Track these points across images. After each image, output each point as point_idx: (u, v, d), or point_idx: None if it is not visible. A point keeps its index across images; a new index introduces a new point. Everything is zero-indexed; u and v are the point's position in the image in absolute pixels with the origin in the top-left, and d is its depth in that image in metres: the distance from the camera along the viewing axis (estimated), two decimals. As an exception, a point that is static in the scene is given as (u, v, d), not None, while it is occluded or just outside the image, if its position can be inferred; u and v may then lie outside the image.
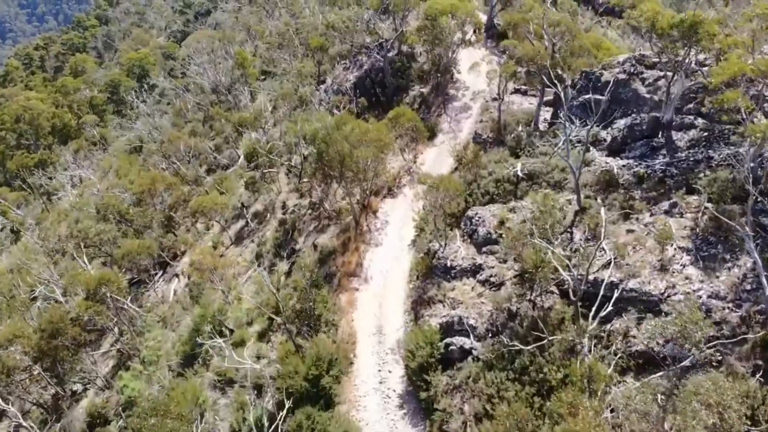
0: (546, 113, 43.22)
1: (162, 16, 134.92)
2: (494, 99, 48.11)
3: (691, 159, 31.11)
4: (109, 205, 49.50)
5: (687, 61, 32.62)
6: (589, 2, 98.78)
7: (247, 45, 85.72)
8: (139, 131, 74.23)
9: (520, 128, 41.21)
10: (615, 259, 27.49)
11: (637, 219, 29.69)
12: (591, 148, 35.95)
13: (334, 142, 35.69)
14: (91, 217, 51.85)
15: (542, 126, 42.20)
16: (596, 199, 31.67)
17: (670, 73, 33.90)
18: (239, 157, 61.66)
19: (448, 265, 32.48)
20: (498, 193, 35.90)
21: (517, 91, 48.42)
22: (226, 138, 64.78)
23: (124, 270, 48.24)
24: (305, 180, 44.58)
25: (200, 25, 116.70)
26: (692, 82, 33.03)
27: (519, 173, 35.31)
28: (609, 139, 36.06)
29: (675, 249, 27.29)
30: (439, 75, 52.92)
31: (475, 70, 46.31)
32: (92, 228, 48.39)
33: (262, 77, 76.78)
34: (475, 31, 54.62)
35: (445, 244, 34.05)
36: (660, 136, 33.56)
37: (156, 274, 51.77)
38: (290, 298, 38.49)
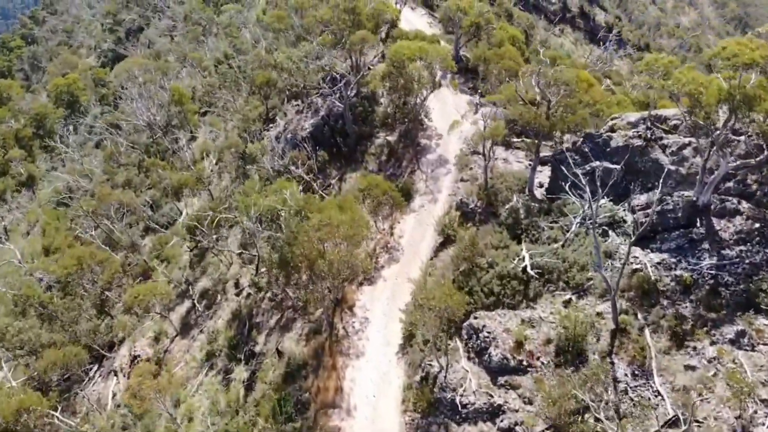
0: (540, 174, 36.10)
1: (91, 35, 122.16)
2: (474, 153, 40.85)
3: (747, 261, 24.46)
4: (29, 296, 40.02)
5: (725, 132, 25.97)
6: (541, 11, 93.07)
7: (184, 74, 75.96)
8: (67, 180, 63.87)
9: (515, 199, 33.95)
10: (682, 414, 20.59)
11: (695, 349, 22.85)
12: (609, 232, 29.12)
13: (300, 244, 27.61)
14: (8, 312, 42.17)
15: (538, 193, 35.06)
16: (636, 315, 24.69)
17: (701, 141, 27.28)
18: (181, 213, 52.64)
19: (457, 401, 24.99)
20: (505, 293, 28.56)
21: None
22: (164, 190, 55.53)
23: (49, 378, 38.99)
24: (263, 270, 36.31)
25: (132, 45, 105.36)
26: (736, 162, 26.37)
27: (529, 270, 28.04)
28: (630, 221, 29.18)
29: (755, 402, 20.57)
30: (407, 121, 45.22)
31: (455, 129, 38.86)
32: (10, 327, 38.93)
33: (203, 111, 67.36)
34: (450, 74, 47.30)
35: (447, 365, 26.60)
36: (698, 224, 26.82)
37: (90, 368, 42.61)
38: (253, 424, 30.49)
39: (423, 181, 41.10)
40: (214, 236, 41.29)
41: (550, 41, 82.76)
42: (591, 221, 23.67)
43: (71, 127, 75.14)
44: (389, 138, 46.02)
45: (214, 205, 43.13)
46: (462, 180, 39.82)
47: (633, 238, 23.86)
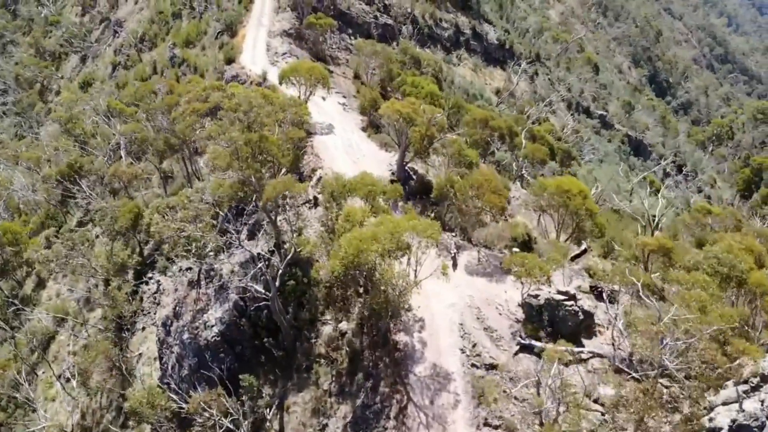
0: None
1: None
2: (492, 366, 24.66)
3: None
4: None
5: None
6: (435, 39, 77.66)
7: (19, 180, 52.38)
8: None
9: None
10: None
11: None
12: None
13: None
14: None
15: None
16: None
17: None
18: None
19: None
20: None
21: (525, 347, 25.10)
22: (10, 415, 34.63)
23: None
24: None
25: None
26: None
27: None
28: None
29: None
30: (367, 301, 27.59)
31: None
32: None
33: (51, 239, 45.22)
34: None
35: None
36: None
37: None
38: None
39: (422, 426, 24.23)
40: None
41: (456, 78, 67.63)
42: None
43: None
44: (345, 327, 28.43)
45: None
46: (486, 424, 23.49)
47: None
